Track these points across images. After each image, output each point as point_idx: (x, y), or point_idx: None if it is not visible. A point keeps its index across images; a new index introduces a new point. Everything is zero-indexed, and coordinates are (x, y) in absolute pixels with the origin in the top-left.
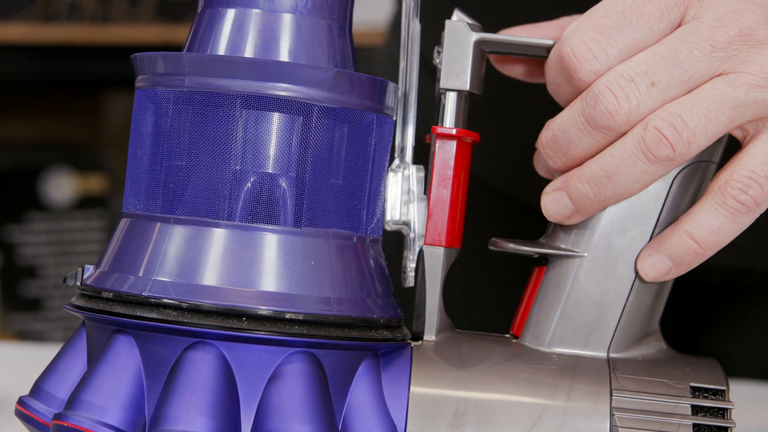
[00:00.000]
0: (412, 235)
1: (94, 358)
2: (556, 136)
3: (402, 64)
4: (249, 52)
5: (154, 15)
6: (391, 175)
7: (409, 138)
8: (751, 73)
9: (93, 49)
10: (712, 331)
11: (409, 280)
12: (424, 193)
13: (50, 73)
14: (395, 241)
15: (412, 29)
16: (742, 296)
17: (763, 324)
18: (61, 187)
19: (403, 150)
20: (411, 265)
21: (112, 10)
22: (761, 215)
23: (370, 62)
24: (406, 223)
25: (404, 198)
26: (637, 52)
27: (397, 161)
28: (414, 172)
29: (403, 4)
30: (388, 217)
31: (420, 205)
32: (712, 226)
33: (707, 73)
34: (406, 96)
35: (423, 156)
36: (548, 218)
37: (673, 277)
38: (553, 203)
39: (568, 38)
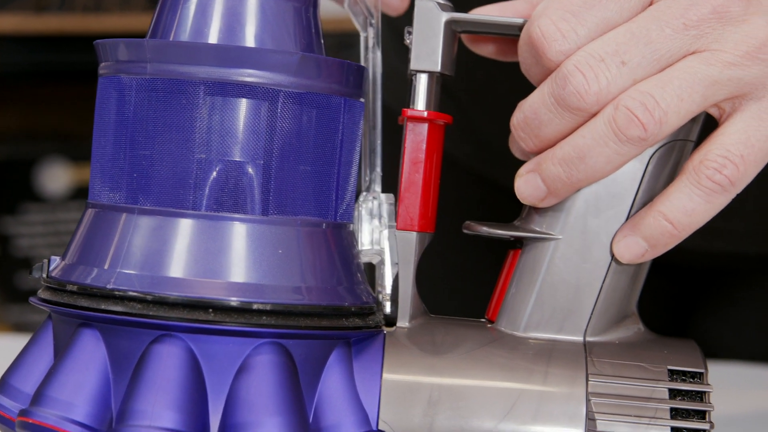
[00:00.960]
0: (384, 264)
1: (60, 353)
2: (528, 117)
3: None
4: (213, 37)
5: (146, 4)
6: (361, 207)
7: (377, 169)
8: (725, 50)
9: (86, 38)
10: (701, 315)
11: (389, 309)
12: (395, 220)
13: (43, 63)
14: None
15: (373, 60)
16: (732, 279)
17: (752, 307)
18: (56, 177)
19: (371, 182)
20: (387, 292)
21: (104, 0)
22: (750, 201)
23: (352, 47)
24: (378, 253)
25: (375, 228)
26: (608, 31)
27: (364, 193)
28: (384, 201)
29: (361, 38)
30: (360, 247)
31: (391, 233)
32: (687, 207)
33: (680, 51)
34: (372, 128)
35: (397, 137)
36: (522, 201)
37: (650, 259)
38: (526, 185)
39: (537, 18)
